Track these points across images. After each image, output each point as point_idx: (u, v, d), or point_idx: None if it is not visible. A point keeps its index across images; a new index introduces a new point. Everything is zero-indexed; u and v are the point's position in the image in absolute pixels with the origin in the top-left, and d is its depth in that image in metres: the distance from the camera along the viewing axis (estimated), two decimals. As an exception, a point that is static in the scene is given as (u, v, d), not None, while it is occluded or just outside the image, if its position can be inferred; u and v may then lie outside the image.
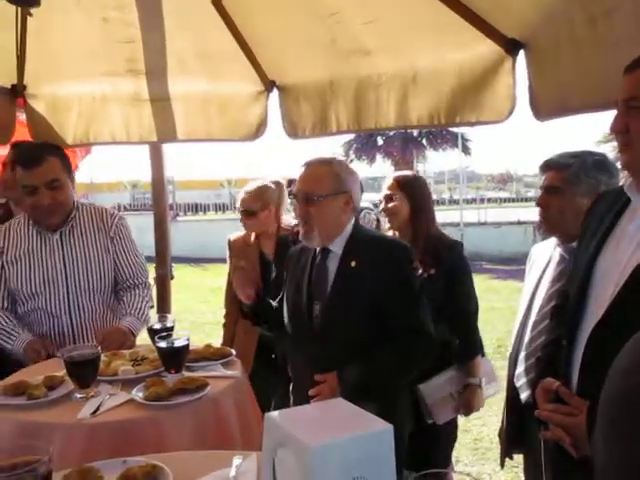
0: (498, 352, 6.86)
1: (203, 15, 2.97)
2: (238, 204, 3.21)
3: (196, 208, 26.74)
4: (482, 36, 2.53)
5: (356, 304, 2.03)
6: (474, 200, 23.18)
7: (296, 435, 0.87)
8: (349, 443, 0.86)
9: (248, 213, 3.12)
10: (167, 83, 3.23)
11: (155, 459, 1.31)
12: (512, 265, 14.33)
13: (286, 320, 2.23)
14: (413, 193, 2.74)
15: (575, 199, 2.06)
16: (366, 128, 3.04)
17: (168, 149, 3.80)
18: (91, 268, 2.46)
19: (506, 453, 2.37)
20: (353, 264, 2.07)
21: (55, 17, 2.91)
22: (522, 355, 2.18)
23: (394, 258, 2.07)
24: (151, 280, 2.88)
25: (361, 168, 24.33)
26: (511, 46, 2.51)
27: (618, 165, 2.06)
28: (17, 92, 3.23)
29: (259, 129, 3.39)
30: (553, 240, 2.30)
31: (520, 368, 2.18)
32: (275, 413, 0.97)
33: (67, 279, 2.43)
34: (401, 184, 2.76)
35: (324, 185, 2.09)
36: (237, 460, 1.29)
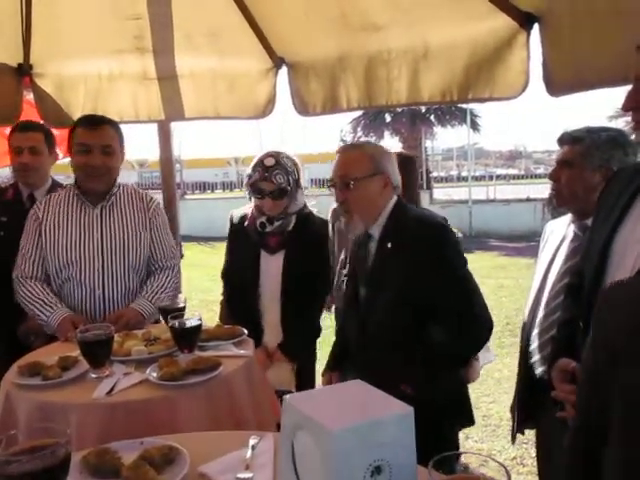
0: (507, 329, 6.87)
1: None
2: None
3: (204, 187, 26.71)
4: (496, 10, 2.48)
5: (390, 287, 2.02)
6: (483, 177, 23.03)
7: (315, 418, 0.86)
8: (370, 427, 0.85)
9: None
10: (175, 61, 3.19)
11: (171, 440, 1.32)
12: (521, 242, 14.29)
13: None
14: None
15: (584, 173, 2.05)
16: (377, 105, 3.01)
17: (174, 128, 3.78)
18: (129, 245, 2.47)
19: (518, 428, 2.37)
20: (389, 246, 2.06)
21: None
22: (536, 332, 2.18)
23: (428, 238, 2.01)
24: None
25: (369, 145, 23.95)
26: (525, 20, 2.46)
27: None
28: (23, 71, 3.20)
29: (267, 107, 3.36)
30: (567, 217, 2.29)
31: (534, 344, 2.17)
32: (294, 395, 0.97)
33: (103, 253, 2.44)
34: None
35: (359, 168, 2.09)
36: (253, 440, 1.29)
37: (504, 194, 19.31)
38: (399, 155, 2.73)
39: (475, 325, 2.01)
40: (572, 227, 2.19)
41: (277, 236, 2.69)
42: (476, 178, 22.75)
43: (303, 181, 3.41)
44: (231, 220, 2.86)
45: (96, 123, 2.46)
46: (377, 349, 2.03)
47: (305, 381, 2.64)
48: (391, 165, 2.15)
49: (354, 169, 2.10)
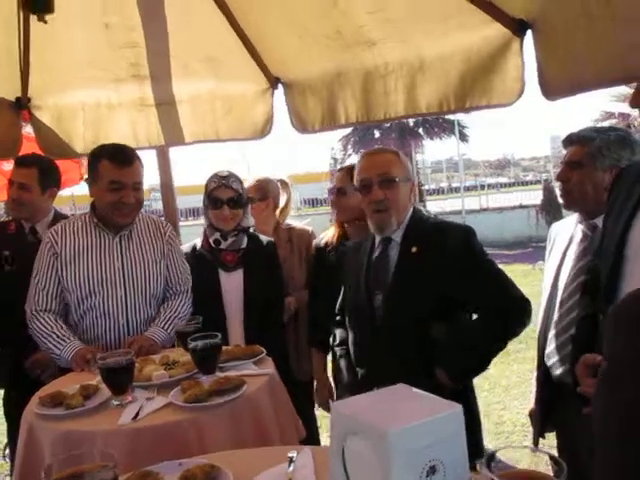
0: (512, 336, 6.86)
1: (205, 14, 2.98)
2: None
3: (196, 213, 26.74)
4: (489, 19, 2.53)
5: (419, 291, 2.06)
6: (474, 187, 23.18)
7: (370, 422, 0.86)
8: (424, 427, 0.85)
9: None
10: (172, 86, 3.23)
11: (207, 459, 1.31)
12: (517, 249, 14.38)
13: (347, 316, 2.29)
14: None
15: (595, 173, 2.07)
16: (375, 119, 3.04)
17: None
18: (149, 272, 2.48)
19: (539, 433, 2.36)
20: (414, 250, 2.11)
21: (56, 26, 2.89)
22: (552, 333, 2.18)
23: (460, 241, 2.11)
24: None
25: (360, 161, 24.23)
26: (518, 27, 2.51)
27: None
28: (22, 104, 3.22)
29: (265, 127, 3.40)
30: (572, 218, 2.31)
31: (551, 346, 2.18)
32: (342, 402, 0.97)
33: (125, 281, 2.43)
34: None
35: (399, 169, 2.18)
36: (292, 454, 1.29)
37: (496, 202, 19.44)
38: (350, 169, 2.73)
39: (520, 313, 2.12)
40: (580, 227, 2.20)
41: (232, 253, 2.72)
42: (467, 188, 22.91)
43: (294, 201, 3.44)
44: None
45: (128, 160, 2.43)
46: (394, 354, 2.04)
47: None
48: (413, 175, 2.21)
49: (395, 169, 2.17)
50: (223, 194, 2.67)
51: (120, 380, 1.79)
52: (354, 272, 2.27)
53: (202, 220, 2.94)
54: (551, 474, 0.90)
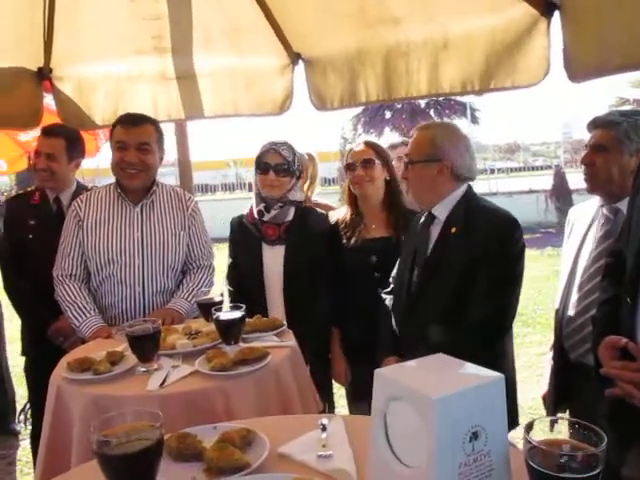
0: (520, 320, 6.88)
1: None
2: None
3: (205, 189, 26.83)
4: (516, -1, 2.51)
5: (449, 270, 2.04)
6: (484, 171, 23.04)
7: (415, 388, 0.89)
8: (467, 393, 0.88)
9: None
10: (193, 59, 3.22)
11: (240, 424, 1.34)
12: (526, 234, 14.27)
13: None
14: (389, 161, 2.71)
15: (622, 158, 2.06)
16: (396, 97, 3.02)
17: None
18: (167, 244, 2.51)
19: (552, 414, 2.39)
20: (453, 230, 2.09)
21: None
22: (570, 315, 2.19)
23: (496, 229, 2.03)
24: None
25: (370, 142, 24.16)
26: (546, 7, 2.49)
27: None
28: (43, 75, 3.22)
29: (285, 103, 3.38)
30: (592, 202, 2.30)
31: (569, 328, 2.19)
32: (385, 369, 0.99)
33: (143, 251, 2.47)
34: (377, 151, 2.68)
35: (419, 151, 2.15)
36: (324, 422, 1.32)
37: (505, 187, 19.30)
38: (373, 145, 2.74)
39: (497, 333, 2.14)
40: (602, 210, 2.20)
41: (274, 227, 2.70)
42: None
43: (319, 178, 3.42)
44: (231, 224, 2.87)
45: (134, 121, 2.49)
46: (424, 332, 2.03)
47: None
48: (457, 152, 2.13)
49: (415, 151, 2.16)
50: (271, 159, 2.66)
51: (147, 348, 1.83)
52: (408, 243, 2.30)
53: (209, 196, 2.95)
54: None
